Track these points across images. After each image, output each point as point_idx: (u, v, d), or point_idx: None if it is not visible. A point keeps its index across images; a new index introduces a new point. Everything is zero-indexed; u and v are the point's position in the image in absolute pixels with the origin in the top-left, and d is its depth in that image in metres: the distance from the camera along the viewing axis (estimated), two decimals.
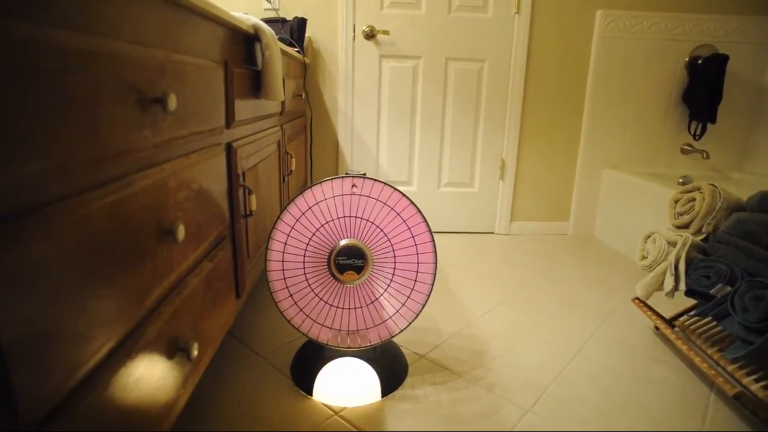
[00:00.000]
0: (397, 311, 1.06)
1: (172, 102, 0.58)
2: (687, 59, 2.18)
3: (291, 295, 1.04)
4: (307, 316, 1.05)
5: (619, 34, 2.14)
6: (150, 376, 0.58)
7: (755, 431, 0.97)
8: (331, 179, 1.02)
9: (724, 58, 2.09)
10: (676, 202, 1.37)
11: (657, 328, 1.36)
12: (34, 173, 0.36)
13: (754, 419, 0.99)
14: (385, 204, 1.02)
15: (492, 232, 2.37)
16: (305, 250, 1.03)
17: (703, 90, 2.13)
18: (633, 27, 2.13)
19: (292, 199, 1.02)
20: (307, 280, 1.04)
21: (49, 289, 0.38)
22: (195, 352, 0.68)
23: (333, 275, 1.03)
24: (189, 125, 0.70)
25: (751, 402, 0.99)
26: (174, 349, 0.66)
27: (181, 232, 0.63)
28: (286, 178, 1.56)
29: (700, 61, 2.14)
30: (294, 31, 1.88)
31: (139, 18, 0.54)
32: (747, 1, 2.14)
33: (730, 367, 1.08)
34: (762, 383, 1.00)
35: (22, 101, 0.35)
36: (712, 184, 1.28)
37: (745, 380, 1.03)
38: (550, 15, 2.12)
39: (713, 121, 2.17)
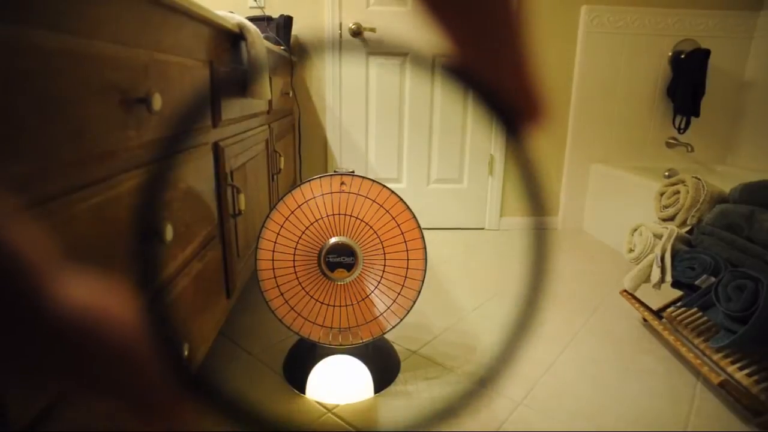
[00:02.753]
0: (388, 308, 1.06)
1: (157, 102, 0.58)
2: (670, 54, 2.21)
3: (282, 294, 1.04)
4: (299, 314, 1.05)
5: (604, 29, 2.16)
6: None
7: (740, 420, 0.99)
8: (320, 177, 1.02)
9: (705, 53, 2.12)
10: (662, 195, 1.39)
11: (645, 319, 1.38)
12: (16, 175, 0.36)
13: (738, 406, 1.01)
14: (374, 201, 1.03)
15: (482, 228, 2.39)
16: (295, 248, 1.03)
17: (686, 84, 2.16)
18: (617, 22, 2.16)
19: (281, 198, 1.01)
20: (297, 278, 1.04)
21: None
22: (185, 353, 0.68)
23: (323, 273, 1.03)
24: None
25: (735, 389, 1.01)
26: None
27: (168, 233, 0.62)
28: (274, 177, 1.55)
29: (683, 56, 2.17)
30: (280, 29, 1.87)
31: (121, 18, 0.54)
32: None
33: (716, 356, 1.10)
34: (746, 371, 1.02)
35: (2, 103, 0.34)
36: (696, 177, 1.30)
37: (730, 368, 1.05)
38: (535, 10, 2.13)
39: (697, 114, 2.20)
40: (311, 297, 1.05)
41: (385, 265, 1.05)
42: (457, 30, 0.19)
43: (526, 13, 0.18)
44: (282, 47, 1.78)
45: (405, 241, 1.04)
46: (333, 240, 1.02)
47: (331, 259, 1.02)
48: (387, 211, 1.03)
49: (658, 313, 1.35)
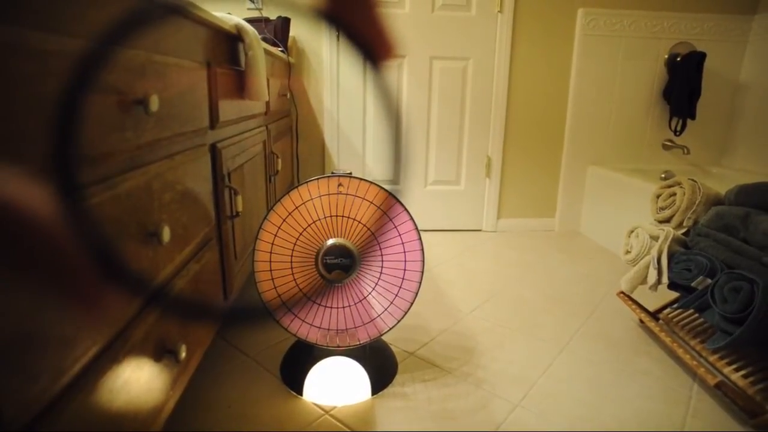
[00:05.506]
0: (386, 309, 1.06)
1: (154, 103, 0.57)
2: (666, 57, 2.22)
3: (279, 296, 1.04)
4: (296, 315, 1.05)
5: (600, 32, 2.17)
6: (138, 379, 0.58)
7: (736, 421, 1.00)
8: (317, 179, 1.02)
9: (701, 56, 2.13)
10: (658, 197, 1.40)
11: (641, 321, 1.38)
12: (12, 176, 0.36)
13: (734, 407, 1.02)
14: (371, 203, 1.03)
15: (479, 230, 2.39)
16: (292, 250, 1.03)
17: (682, 87, 2.17)
18: (613, 25, 2.17)
19: (279, 199, 1.01)
20: (295, 279, 1.04)
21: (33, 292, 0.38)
22: (183, 354, 0.68)
23: (321, 275, 1.03)
24: (172, 126, 0.69)
25: (731, 390, 1.01)
26: (162, 352, 0.65)
27: (166, 234, 0.62)
28: (272, 179, 1.55)
29: (678, 59, 2.18)
30: (278, 30, 1.87)
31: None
32: (722, 0, 2.19)
33: (712, 358, 1.11)
34: (742, 372, 1.03)
35: None
36: (692, 179, 1.30)
37: (726, 370, 1.06)
38: (532, 14, 2.14)
39: (693, 117, 2.22)
40: (309, 298, 1.04)
41: (382, 267, 1.05)
42: None
43: None
44: (280, 49, 1.78)
45: (402, 243, 1.04)
46: (330, 241, 1.02)
47: (328, 261, 1.01)
48: (384, 213, 1.03)
49: (654, 315, 1.35)
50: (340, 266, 1.02)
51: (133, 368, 0.57)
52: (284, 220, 1.02)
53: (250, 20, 1.85)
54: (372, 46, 0.24)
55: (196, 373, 1.11)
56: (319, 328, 1.06)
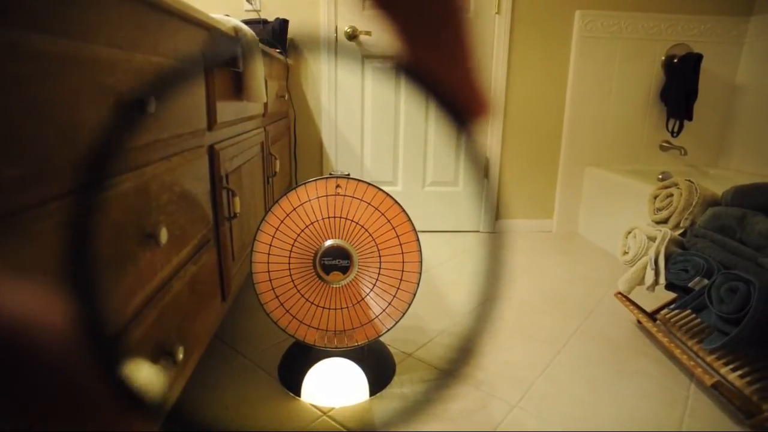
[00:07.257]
0: (384, 311, 1.07)
1: (152, 105, 0.58)
2: (663, 58, 2.23)
3: (277, 297, 1.04)
4: (294, 317, 1.05)
5: (598, 33, 2.18)
6: (135, 381, 0.58)
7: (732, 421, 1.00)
8: (315, 180, 1.02)
9: (698, 57, 2.14)
10: (655, 198, 1.40)
11: (639, 321, 1.38)
12: (10, 178, 0.36)
13: (731, 407, 1.02)
14: (369, 204, 1.03)
15: (477, 231, 2.39)
16: (290, 251, 1.03)
17: (679, 88, 2.18)
18: (611, 27, 2.17)
19: (277, 201, 1.01)
20: (293, 281, 1.04)
21: None
22: (180, 356, 0.68)
23: (319, 276, 1.03)
24: (170, 128, 0.70)
25: (728, 390, 1.01)
26: (159, 354, 0.65)
27: (163, 236, 0.62)
28: (270, 180, 1.55)
29: (675, 60, 2.19)
30: (276, 32, 1.87)
31: (118, 21, 0.54)
32: (718, 1, 2.19)
33: (709, 358, 1.11)
34: (738, 372, 1.03)
35: None
36: (689, 180, 1.31)
37: (723, 370, 1.06)
38: (530, 15, 2.15)
39: (690, 118, 2.22)
40: (306, 300, 1.04)
41: (380, 268, 1.05)
42: (408, 29, 0.20)
43: (468, 14, 0.20)
44: (278, 50, 1.79)
45: (400, 244, 1.04)
46: (328, 243, 1.02)
47: (326, 262, 1.02)
48: (382, 214, 1.03)
49: (652, 316, 1.35)
50: (337, 267, 1.02)
51: (131, 371, 0.56)
52: (282, 222, 1.02)
53: (248, 22, 1.85)
54: (462, 104, 0.21)
55: (194, 374, 1.11)
56: (317, 329, 1.06)
